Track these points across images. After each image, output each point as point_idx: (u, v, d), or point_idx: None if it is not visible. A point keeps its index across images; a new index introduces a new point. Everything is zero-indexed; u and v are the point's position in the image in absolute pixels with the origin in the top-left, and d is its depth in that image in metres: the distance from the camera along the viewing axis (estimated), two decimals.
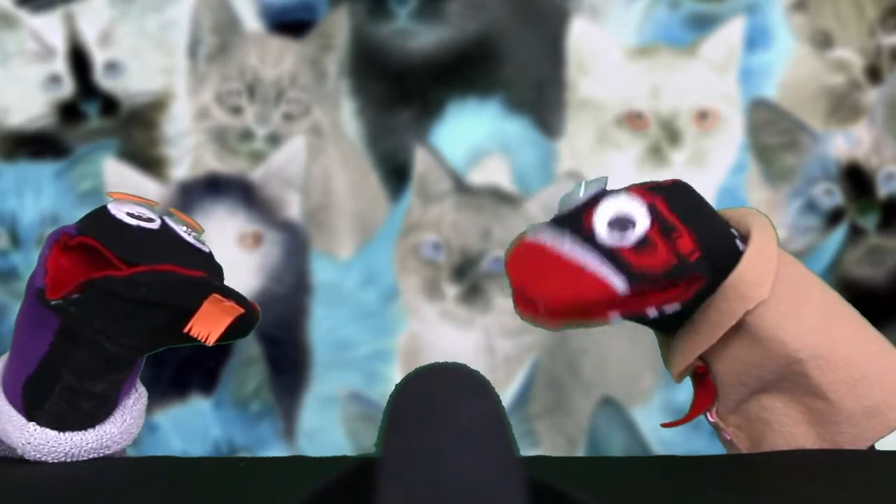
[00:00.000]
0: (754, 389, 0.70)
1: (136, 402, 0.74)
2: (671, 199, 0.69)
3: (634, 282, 0.66)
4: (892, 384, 0.71)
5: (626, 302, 0.66)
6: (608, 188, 0.69)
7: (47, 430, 0.71)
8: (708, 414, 0.73)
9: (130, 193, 0.73)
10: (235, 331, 0.69)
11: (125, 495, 0.67)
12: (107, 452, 0.72)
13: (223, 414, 1.64)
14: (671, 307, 0.67)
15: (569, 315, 0.67)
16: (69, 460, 0.71)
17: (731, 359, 0.70)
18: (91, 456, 0.72)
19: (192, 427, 1.63)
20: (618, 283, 0.66)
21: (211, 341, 0.68)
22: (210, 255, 0.72)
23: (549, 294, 0.66)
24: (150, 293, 0.68)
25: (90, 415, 0.72)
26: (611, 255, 0.66)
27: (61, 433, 0.71)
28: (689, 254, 0.67)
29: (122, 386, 0.72)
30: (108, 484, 0.68)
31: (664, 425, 0.74)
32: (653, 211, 0.68)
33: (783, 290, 0.69)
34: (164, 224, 0.72)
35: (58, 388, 0.70)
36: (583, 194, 0.69)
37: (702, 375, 0.72)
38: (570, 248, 0.67)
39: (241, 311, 0.69)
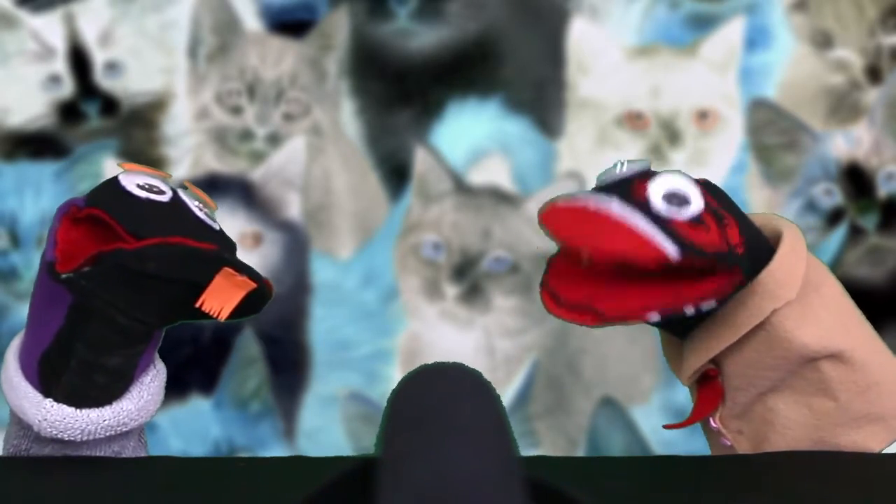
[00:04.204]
0: (762, 391, 0.70)
1: (153, 378, 0.73)
2: (712, 191, 0.69)
3: (685, 252, 0.64)
4: None
5: (670, 285, 0.64)
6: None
7: (64, 406, 0.70)
8: (711, 420, 0.71)
9: (143, 165, 0.72)
10: (248, 306, 0.68)
11: (125, 495, 0.66)
12: (124, 429, 0.71)
13: (223, 414, 1.64)
14: (708, 304, 0.65)
15: (613, 266, 0.64)
16: (85, 438, 0.70)
17: (745, 360, 0.69)
18: (108, 433, 0.71)
19: (192, 427, 1.63)
20: (669, 248, 0.64)
21: (223, 316, 0.67)
22: (221, 232, 0.71)
23: (597, 244, 0.64)
24: (160, 267, 0.66)
25: (106, 390, 0.70)
26: (663, 224, 0.65)
27: (78, 410, 0.70)
28: (736, 245, 0.66)
29: (137, 361, 0.71)
30: (108, 484, 0.68)
31: (667, 427, 0.73)
32: (704, 195, 0.67)
33: (804, 292, 0.68)
34: (175, 197, 0.70)
35: (72, 362, 0.69)
36: (626, 170, 0.68)
37: (710, 378, 0.71)
38: (619, 209, 0.65)
39: (254, 285, 0.67)
